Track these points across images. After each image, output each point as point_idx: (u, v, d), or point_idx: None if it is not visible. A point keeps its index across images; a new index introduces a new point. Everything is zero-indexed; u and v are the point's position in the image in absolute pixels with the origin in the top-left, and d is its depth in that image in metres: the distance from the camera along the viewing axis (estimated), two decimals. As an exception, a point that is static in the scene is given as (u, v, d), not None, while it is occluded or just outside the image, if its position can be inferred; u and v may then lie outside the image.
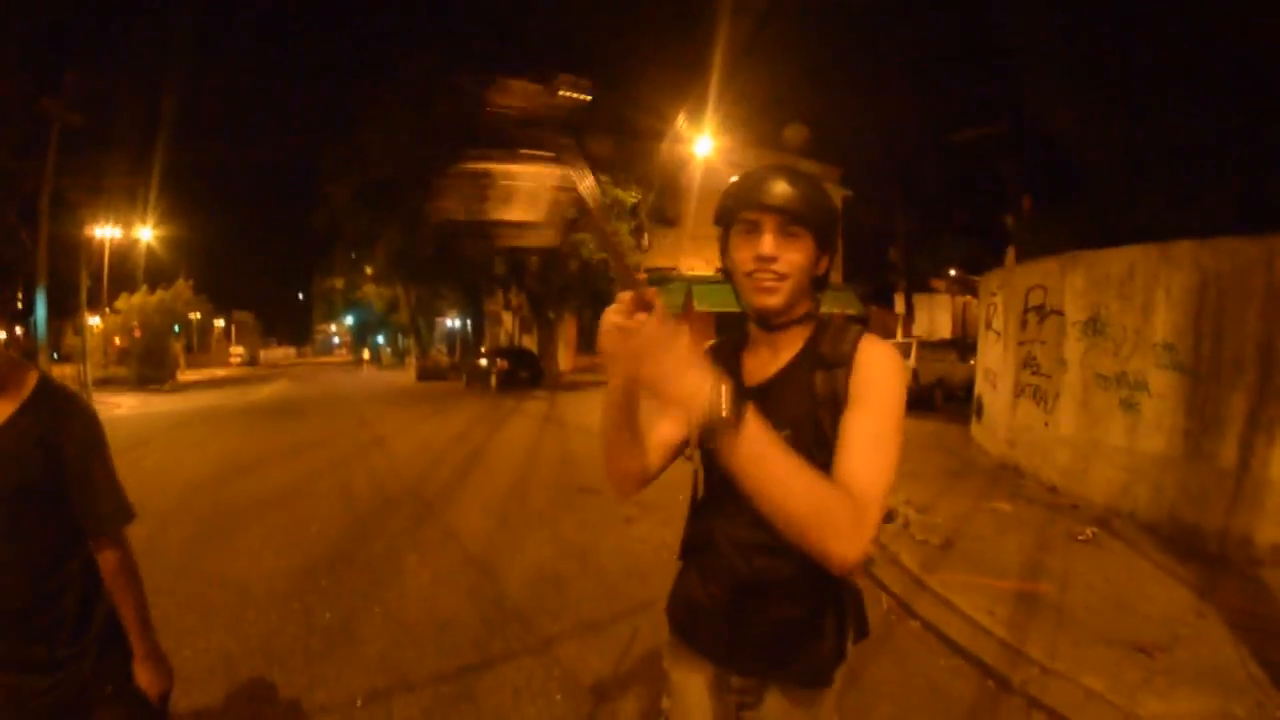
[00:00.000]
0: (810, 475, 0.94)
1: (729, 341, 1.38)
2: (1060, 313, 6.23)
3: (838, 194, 25.88)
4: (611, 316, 0.94)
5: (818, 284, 1.23)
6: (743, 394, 1.09)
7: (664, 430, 1.30)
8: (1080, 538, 4.67)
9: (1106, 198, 6.68)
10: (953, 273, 24.56)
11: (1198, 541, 4.58)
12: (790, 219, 1.14)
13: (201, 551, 4.94)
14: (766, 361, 1.25)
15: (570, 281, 19.39)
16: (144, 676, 1.48)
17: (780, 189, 1.13)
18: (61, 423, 1.37)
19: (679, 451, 1.31)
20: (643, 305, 0.93)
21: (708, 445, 1.14)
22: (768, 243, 1.14)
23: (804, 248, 1.16)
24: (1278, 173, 5.62)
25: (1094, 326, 5.73)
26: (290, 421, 13.55)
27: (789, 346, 1.23)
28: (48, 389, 1.39)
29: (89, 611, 1.41)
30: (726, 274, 1.24)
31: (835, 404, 1.13)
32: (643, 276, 0.87)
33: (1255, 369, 4.43)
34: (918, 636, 3.45)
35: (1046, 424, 6.38)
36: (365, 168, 18.52)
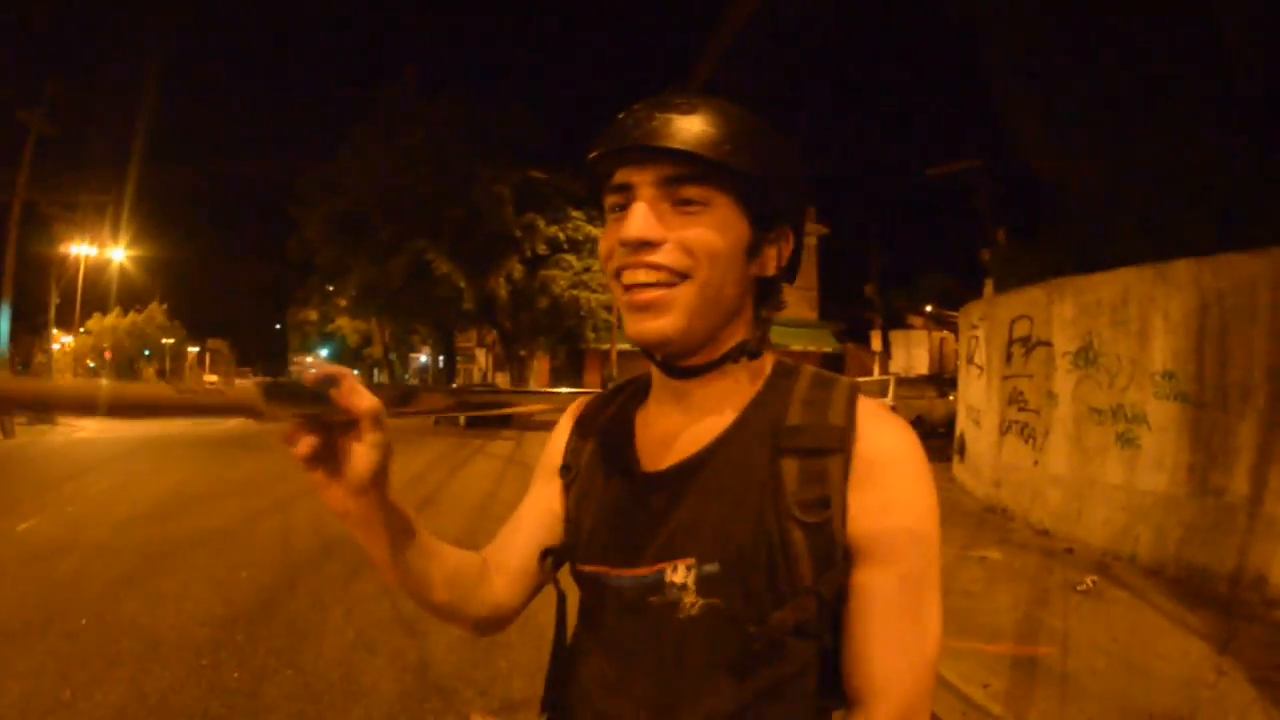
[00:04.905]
0: None
1: (624, 393, 0.84)
2: (1048, 343, 6.01)
3: (814, 230, 26.15)
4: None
5: (765, 292, 0.71)
6: (636, 486, 0.72)
7: (520, 543, 0.83)
8: (1080, 588, 4.33)
9: (1082, 229, 6.57)
10: (929, 309, 24.94)
11: (1207, 584, 4.26)
12: (687, 173, 0.63)
13: (124, 592, 4.50)
14: (675, 431, 0.72)
15: (540, 319, 19.21)
16: None
17: (665, 123, 0.62)
18: None
19: (548, 574, 0.84)
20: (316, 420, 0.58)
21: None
22: (638, 216, 0.63)
23: (717, 222, 0.64)
24: (1255, 194, 5.49)
25: (1086, 357, 5.50)
26: (249, 453, 12.97)
27: (717, 407, 0.71)
28: None
29: None
30: None
31: (822, 524, 0.62)
32: (315, 365, 0.57)
33: (1265, 394, 4.18)
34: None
35: (1036, 463, 6.10)
36: (337, 196, 18.27)
